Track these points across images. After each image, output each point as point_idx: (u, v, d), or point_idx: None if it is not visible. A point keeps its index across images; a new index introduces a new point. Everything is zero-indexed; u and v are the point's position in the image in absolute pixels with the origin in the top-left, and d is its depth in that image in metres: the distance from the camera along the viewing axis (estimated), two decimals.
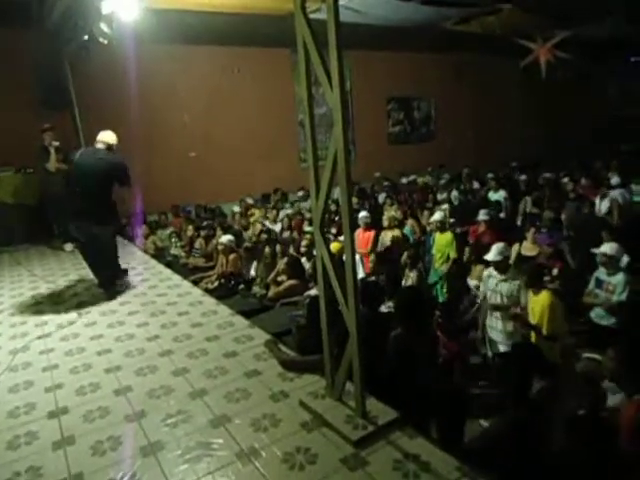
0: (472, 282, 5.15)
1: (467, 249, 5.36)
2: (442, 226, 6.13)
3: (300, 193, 9.74)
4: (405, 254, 5.53)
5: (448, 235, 6.08)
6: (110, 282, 5.20)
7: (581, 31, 9.45)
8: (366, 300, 3.36)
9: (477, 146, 13.39)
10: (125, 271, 5.66)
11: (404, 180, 11.24)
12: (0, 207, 7.56)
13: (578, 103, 14.58)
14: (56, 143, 7.16)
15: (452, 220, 7.11)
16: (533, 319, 3.94)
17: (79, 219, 4.91)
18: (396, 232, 6.91)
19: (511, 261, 4.83)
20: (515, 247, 5.59)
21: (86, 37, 6.19)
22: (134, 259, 6.60)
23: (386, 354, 3.20)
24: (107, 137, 4.96)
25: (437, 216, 6.38)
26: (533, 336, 3.94)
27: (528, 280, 4.10)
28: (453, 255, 5.86)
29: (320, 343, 2.84)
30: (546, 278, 4.82)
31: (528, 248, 5.46)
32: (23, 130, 7.65)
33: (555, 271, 4.92)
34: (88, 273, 5.99)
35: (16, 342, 4.05)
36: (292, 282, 5.21)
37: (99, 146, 4.95)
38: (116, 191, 5.00)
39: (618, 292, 4.18)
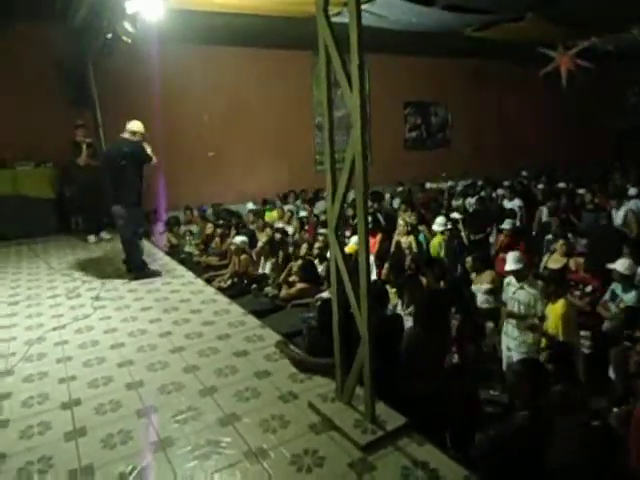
0: (478, 287, 5.06)
1: (469, 259, 5.29)
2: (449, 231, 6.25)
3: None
4: (408, 260, 5.53)
5: (438, 238, 6.16)
6: (137, 266, 5.62)
7: (603, 40, 9.33)
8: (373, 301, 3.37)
9: (494, 153, 13.29)
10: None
11: (428, 185, 11.24)
12: (19, 200, 7.70)
13: (598, 112, 14.40)
14: (88, 140, 7.45)
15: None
16: (548, 328, 3.89)
17: (113, 203, 5.56)
18: (410, 238, 6.90)
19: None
20: (545, 259, 5.54)
21: (109, 35, 6.29)
22: (149, 255, 6.67)
23: (399, 352, 3.21)
24: (132, 126, 5.49)
25: (437, 224, 6.46)
26: (545, 345, 3.89)
27: (546, 288, 4.04)
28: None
29: (331, 345, 2.84)
30: (576, 293, 4.75)
31: (555, 260, 5.36)
32: (43, 125, 7.80)
33: (589, 288, 4.75)
34: (104, 267, 6.12)
35: (32, 333, 4.12)
36: (304, 285, 5.22)
37: (125, 135, 5.46)
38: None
39: None
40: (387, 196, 10.71)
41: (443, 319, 3.62)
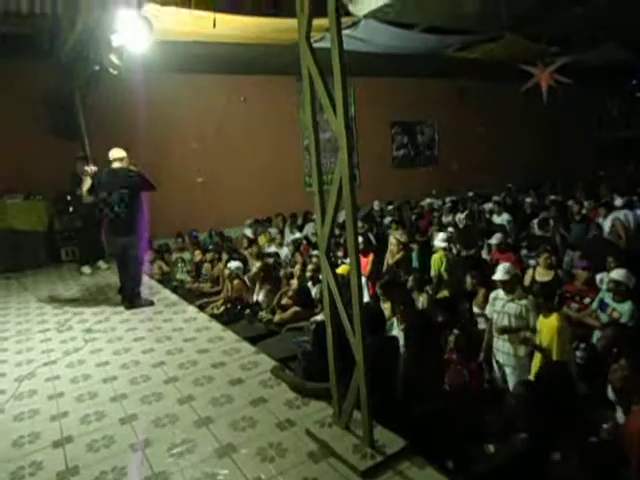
0: (476, 309, 5.06)
1: (469, 276, 5.28)
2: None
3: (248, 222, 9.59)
4: (411, 278, 5.51)
5: (439, 253, 6.24)
6: (132, 295, 5.63)
7: (582, 56, 9.58)
8: (368, 324, 3.35)
9: (480, 169, 13.45)
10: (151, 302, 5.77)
11: (428, 200, 11.32)
12: (8, 234, 7.65)
13: (580, 126, 14.69)
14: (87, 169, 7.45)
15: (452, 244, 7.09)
16: (541, 342, 3.87)
17: (110, 233, 5.83)
18: (401, 255, 6.92)
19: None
20: (529, 273, 5.54)
21: (96, 68, 6.35)
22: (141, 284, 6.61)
23: (397, 376, 3.19)
24: (117, 154, 5.59)
25: (438, 239, 6.47)
26: (539, 360, 3.87)
27: (542, 302, 4.02)
28: (445, 277, 5.91)
29: (326, 369, 2.81)
30: (574, 305, 4.75)
31: (542, 273, 5.36)
32: (32, 158, 7.81)
33: (587, 300, 4.72)
34: (95, 298, 6.06)
35: (22, 369, 4.04)
36: (297, 309, 5.18)
37: (115, 165, 5.54)
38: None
39: (624, 322, 4.07)
40: (376, 204, 10.89)
41: (436, 340, 3.60)
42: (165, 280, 7.32)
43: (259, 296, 6.04)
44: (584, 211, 8.13)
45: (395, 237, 7.33)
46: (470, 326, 4.61)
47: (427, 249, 6.98)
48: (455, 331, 3.90)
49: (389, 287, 5.06)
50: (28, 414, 3.28)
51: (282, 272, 6.38)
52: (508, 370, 4.15)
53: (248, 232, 9.02)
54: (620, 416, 2.83)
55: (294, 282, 5.71)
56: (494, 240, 6.49)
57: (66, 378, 3.81)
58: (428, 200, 11.44)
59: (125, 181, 5.46)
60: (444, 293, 5.37)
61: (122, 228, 5.48)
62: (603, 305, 4.34)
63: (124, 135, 8.00)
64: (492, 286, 4.68)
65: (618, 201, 7.84)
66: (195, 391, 3.44)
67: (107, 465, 2.63)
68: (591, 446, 2.59)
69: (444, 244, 6.38)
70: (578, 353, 4.06)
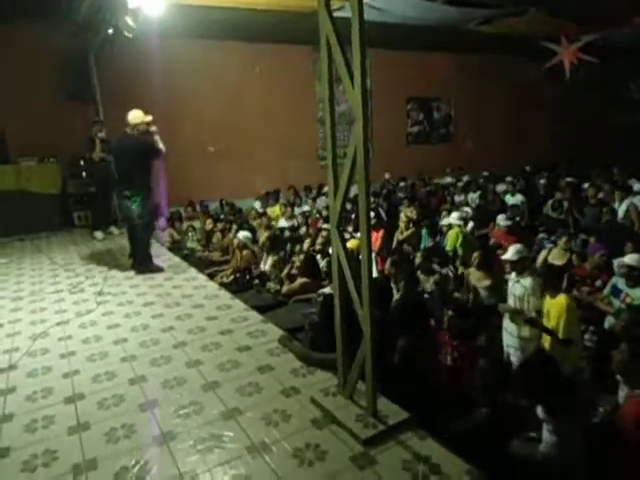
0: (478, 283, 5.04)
1: (475, 254, 5.26)
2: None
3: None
4: (418, 256, 5.50)
5: (455, 230, 6.27)
6: (143, 258, 5.70)
7: (606, 35, 9.28)
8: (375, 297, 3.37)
9: (497, 148, 13.24)
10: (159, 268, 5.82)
11: (448, 179, 11.24)
12: (22, 196, 7.73)
13: (601, 107, 14.32)
14: (102, 134, 7.48)
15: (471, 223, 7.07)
16: (548, 322, 3.86)
17: (119, 197, 5.81)
18: (411, 232, 6.91)
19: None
20: (543, 254, 5.52)
21: (111, 30, 6.29)
22: (152, 250, 6.67)
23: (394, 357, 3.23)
24: (132, 118, 5.51)
25: (453, 217, 6.45)
26: (547, 341, 3.88)
27: (544, 283, 4.01)
28: (460, 252, 5.94)
29: (332, 341, 2.85)
30: (585, 288, 4.74)
31: (556, 256, 5.33)
32: (47, 121, 7.81)
33: (599, 282, 4.72)
34: (107, 262, 6.14)
35: (36, 328, 4.15)
36: (305, 280, 5.21)
37: (128, 130, 5.52)
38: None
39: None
40: (387, 175, 11.09)
41: (427, 319, 3.61)
42: (176, 248, 7.39)
43: (267, 266, 6.09)
44: (601, 195, 8.00)
45: (406, 214, 7.31)
46: (470, 307, 4.61)
47: (435, 227, 6.97)
48: (449, 312, 3.89)
49: (395, 264, 5.07)
50: (41, 371, 3.38)
51: (297, 247, 6.42)
52: (512, 351, 4.17)
53: (257, 205, 9.05)
54: (622, 397, 2.85)
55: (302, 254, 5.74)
56: (501, 221, 6.45)
57: (78, 338, 3.91)
58: (448, 179, 11.32)
59: (134, 147, 5.46)
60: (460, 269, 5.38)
61: (132, 192, 5.49)
62: (616, 290, 4.32)
63: (138, 100, 7.89)
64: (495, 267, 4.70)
65: (637, 186, 7.71)
66: (203, 356, 3.51)
67: (117, 422, 2.71)
68: (590, 427, 2.62)
69: (459, 222, 6.37)
70: (587, 336, 4.06)
